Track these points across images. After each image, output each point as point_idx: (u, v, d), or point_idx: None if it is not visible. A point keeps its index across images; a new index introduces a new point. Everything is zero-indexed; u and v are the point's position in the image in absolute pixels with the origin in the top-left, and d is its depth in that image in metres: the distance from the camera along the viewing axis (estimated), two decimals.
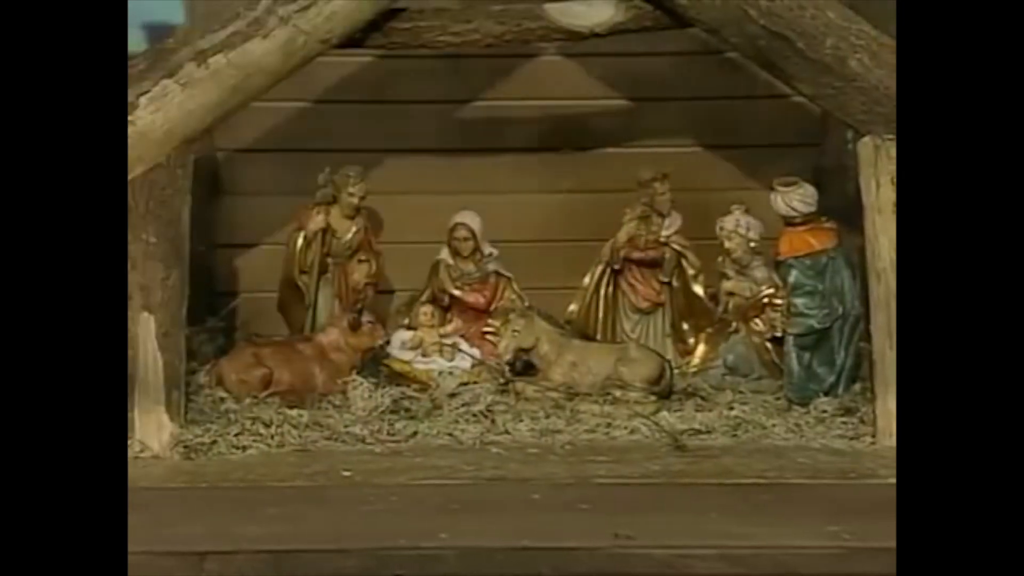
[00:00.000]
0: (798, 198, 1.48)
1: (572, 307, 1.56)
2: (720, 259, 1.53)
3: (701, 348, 1.54)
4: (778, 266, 1.49)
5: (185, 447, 1.27)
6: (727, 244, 1.52)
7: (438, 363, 1.49)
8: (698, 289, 1.56)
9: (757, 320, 1.51)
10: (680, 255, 1.55)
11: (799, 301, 1.44)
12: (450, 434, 1.33)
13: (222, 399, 1.39)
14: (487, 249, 1.55)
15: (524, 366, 1.49)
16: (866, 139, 1.32)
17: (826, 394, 1.42)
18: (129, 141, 1.20)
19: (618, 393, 1.44)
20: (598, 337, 1.55)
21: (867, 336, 1.35)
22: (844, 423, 1.36)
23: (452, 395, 1.44)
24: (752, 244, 1.51)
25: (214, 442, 1.29)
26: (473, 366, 1.50)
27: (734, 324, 1.52)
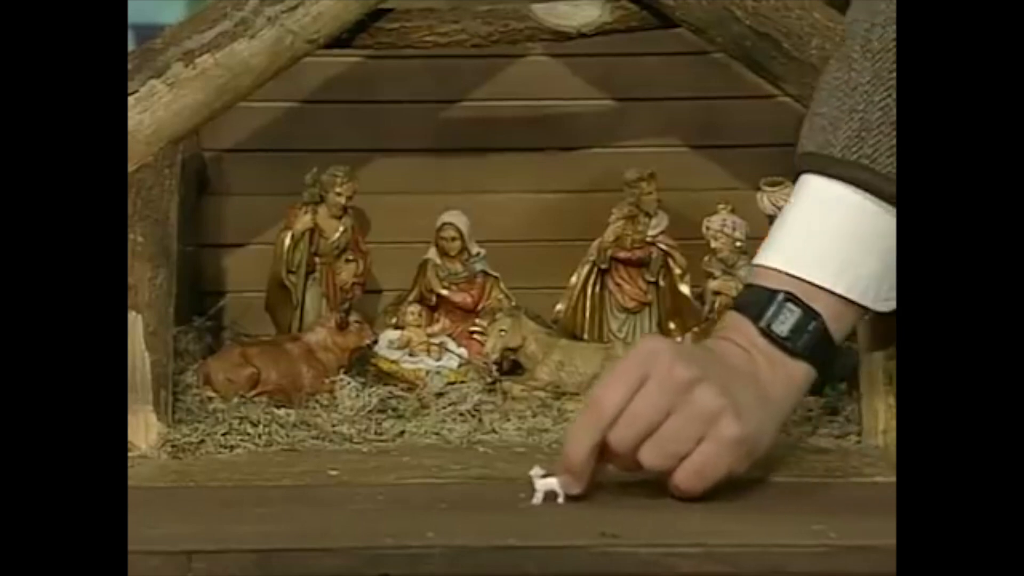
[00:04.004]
0: (784, 198, 1.48)
1: (559, 307, 1.56)
2: (706, 259, 1.53)
3: None
4: None
5: (173, 446, 1.27)
6: (713, 244, 1.52)
7: (425, 362, 1.49)
8: (684, 289, 1.56)
9: None
10: (667, 255, 1.55)
11: None
12: (437, 433, 1.33)
13: (210, 399, 1.39)
14: (474, 249, 1.55)
15: (511, 365, 1.49)
16: None
17: (812, 393, 1.42)
18: None
19: None
20: (585, 336, 1.55)
21: (852, 335, 1.35)
22: (830, 422, 1.37)
23: (439, 394, 1.44)
24: (738, 244, 1.51)
25: (202, 441, 1.29)
26: (460, 365, 1.50)
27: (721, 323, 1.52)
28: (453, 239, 1.53)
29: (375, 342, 1.48)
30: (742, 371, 1.08)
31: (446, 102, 1.65)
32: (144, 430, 1.27)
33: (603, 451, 1.07)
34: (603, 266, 1.54)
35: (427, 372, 1.48)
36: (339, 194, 1.53)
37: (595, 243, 1.54)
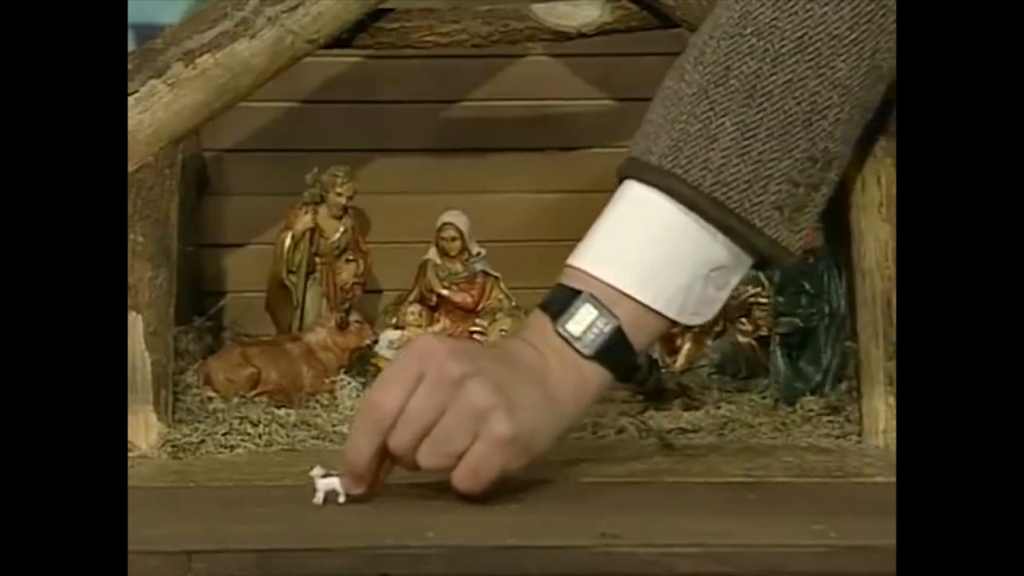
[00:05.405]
0: None
1: None
2: None
3: (687, 347, 1.53)
4: None
5: (173, 446, 1.27)
6: None
7: None
8: None
9: (743, 319, 1.51)
10: None
11: (784, 300, 1.45)
12: None
13: (210, 398, 1.39)
14: (475, 249, 1.55)
15: None
16: None
17: (812, 393, 1.43)
18: None
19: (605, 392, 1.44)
20: None
21: (853, 335, 1.36)
22: (830, 422, 1.36)
23: None
24: None
25: (202, 441, 1.29)
26: None
27: (720, 323, 1.52)
28: (453, 239, 1.53)
29: (375, 342, 1.48)
30: (527, 369, 1.07)
31: (446, 102, 1.65)
32: (144, 430, 1.27)
33: (388, 451, 1.06)
34: None
35: None
36: (339, 194, 1.53)
37: None
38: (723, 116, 1.10)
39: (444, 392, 1.04)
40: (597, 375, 1.09)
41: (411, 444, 1.05)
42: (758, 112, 1.10)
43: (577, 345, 1.08)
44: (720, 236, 1.10)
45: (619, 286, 1.09)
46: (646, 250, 1.10)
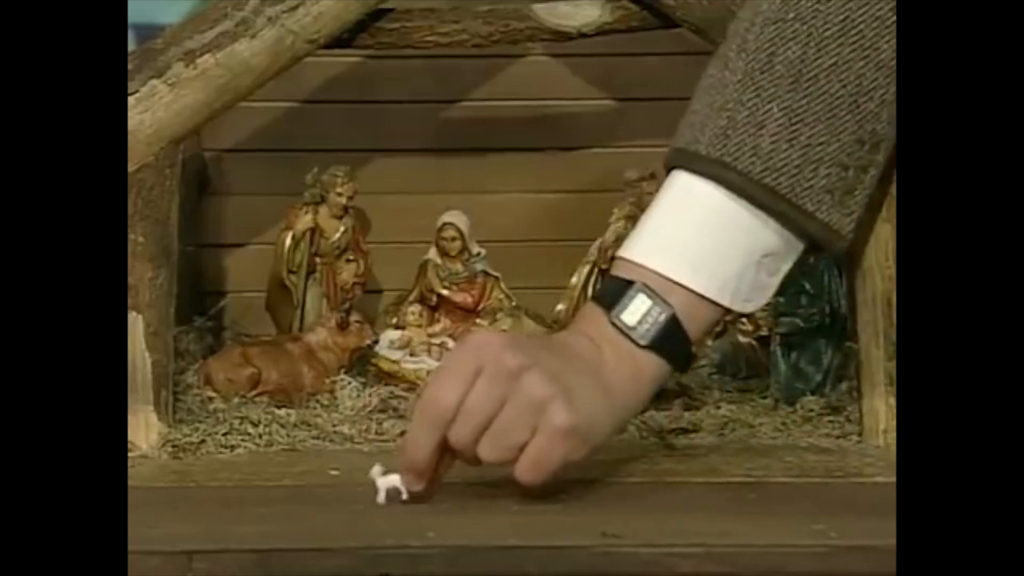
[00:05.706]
0: None
1: (560, 307, 1.56)
2: None
3: None
4: None
5: (173, 446, 1.27)
6: None
7: (426, 363, 1.49)
8: None
9: (743, 319, 1.51)
10: None
11: (785, 300, 1.44)
12: None
13: (210, 399, 1.39)
14: (475, 249, 1.55)
15: None
16: None
17: (813, 393, 1.43)
18: None
19: None
20: None
21: (853, 335, 1.36)
22: (831, 422, 1.36)
23: None
24: None
25: (202, 441, 1.29)
26: None
27: (720, 323, 1.52)
28: (453, 239, 1.53)
29: (376, 342, 1.48)
30: (581, 360, 1.07)
31: (446, 102, 1.65)
32: (145, 430, 1.27)
33: (447, 446, 1.06)
34: (603, 266, 1.54)
35: (428, 372, 1.47)
36: (340, 194, 1.53)
37: (595, 243, 1.54)
38: (770, 102, 1.10)
39: (502, 385, 1.03)
40: (653, 365, 1.09)
41: (471, 438, 1.04)
42: (804, 97, 1.10)
43: (633, 335, 1.08)
44: (771, 222, 1.11)
45: (671, 275, 1.09)
46: (697, 238, 1.10)
